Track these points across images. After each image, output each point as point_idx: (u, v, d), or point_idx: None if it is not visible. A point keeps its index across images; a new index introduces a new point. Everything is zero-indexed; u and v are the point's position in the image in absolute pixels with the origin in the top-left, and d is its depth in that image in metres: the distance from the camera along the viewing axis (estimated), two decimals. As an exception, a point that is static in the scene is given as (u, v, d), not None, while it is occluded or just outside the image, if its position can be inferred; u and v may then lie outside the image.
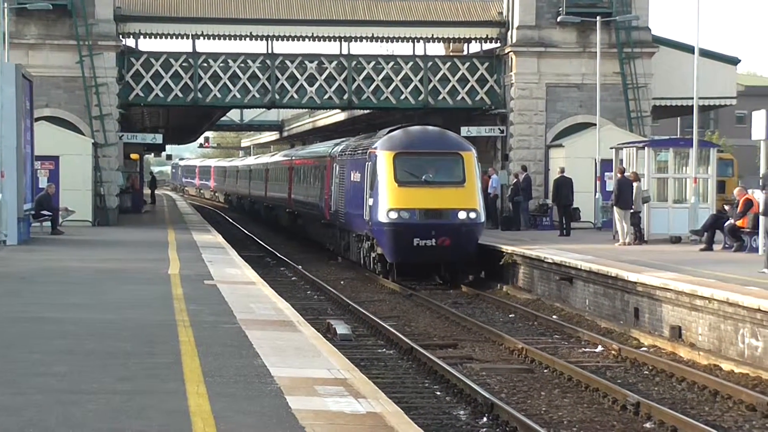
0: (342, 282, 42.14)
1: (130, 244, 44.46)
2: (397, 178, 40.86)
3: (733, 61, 62.99)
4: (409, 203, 40.63)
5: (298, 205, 64.20)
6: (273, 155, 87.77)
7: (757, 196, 35.21)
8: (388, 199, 40.53)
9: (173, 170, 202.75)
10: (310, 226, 60.58)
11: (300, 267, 46.81)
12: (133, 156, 78.88)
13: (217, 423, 13.37)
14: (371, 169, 41.93)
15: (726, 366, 24.74)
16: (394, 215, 40.25)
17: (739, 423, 20.02)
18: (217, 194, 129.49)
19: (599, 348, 27.48)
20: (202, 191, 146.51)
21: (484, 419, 19.95)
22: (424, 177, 41.03)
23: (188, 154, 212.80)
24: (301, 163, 64.90)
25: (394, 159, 41.12)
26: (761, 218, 32.93)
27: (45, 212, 48.83)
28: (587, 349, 27.59)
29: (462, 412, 20.57)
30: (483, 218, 41.58)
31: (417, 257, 40.83)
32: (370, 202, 41.30)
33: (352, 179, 45.85)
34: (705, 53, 52.51)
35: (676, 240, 42.88)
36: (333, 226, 51.53)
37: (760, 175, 32.59)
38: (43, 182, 51.75)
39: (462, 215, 40.60)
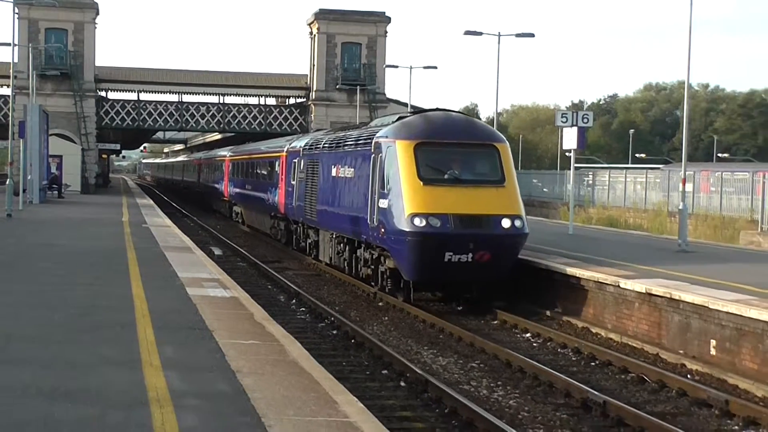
0: (218, 227, 41.39)
1: (100, 204, 43.28)
2: (420, 175, 18.17)
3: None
4: (440, 207, 17.91)
5: (236, 197, 41.98)
6: (207, 153, 63.05)
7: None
8: (412, 202, 17.94)
9: (138, 165, 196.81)
10: (252, 215, 38.42)
11: (195, 218, 46.01)
12: (104, 156, 77.31)
13: (148, 302, 13.19)
14: (380, 163, 19.19)
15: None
16: (420, 222, 17.71)
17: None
18: (160, 180, 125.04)
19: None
20: (153, 177, 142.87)
21: (293, 300, 19.94)
22: (449, 174, 18.37)
23: (134, 155, 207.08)
24: (241, 159, 41.34)
25: (416, 150, 18.40)
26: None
27: (54, 186, 48.13)
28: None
29: (282, 297, 20.51)
30: (527, 228, 18.60)
31: (446, 275, 18.24)
32: (383, 203, 18.73)
33: (336, 174, 22.66)
34: (413, 107, 53.16)
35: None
36: (289, 221, 29.78)
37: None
38: (53, 169, 50.60)
39: (506, 223, 18.09)
